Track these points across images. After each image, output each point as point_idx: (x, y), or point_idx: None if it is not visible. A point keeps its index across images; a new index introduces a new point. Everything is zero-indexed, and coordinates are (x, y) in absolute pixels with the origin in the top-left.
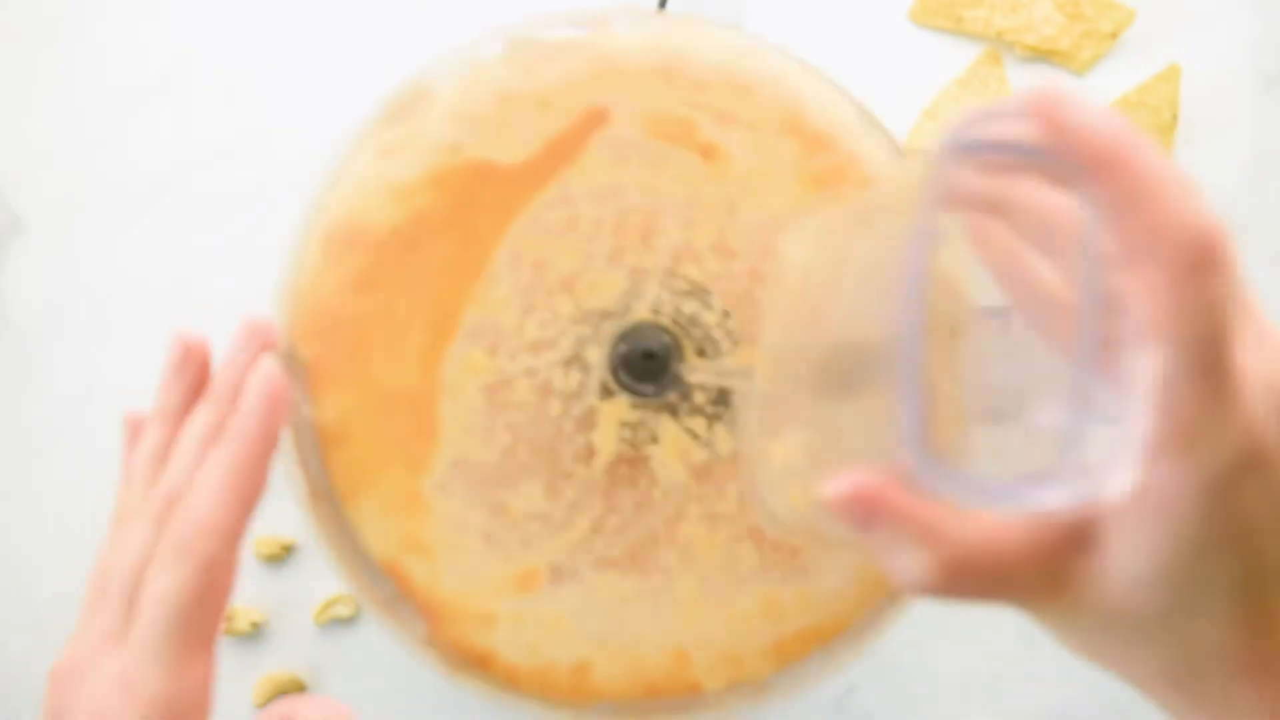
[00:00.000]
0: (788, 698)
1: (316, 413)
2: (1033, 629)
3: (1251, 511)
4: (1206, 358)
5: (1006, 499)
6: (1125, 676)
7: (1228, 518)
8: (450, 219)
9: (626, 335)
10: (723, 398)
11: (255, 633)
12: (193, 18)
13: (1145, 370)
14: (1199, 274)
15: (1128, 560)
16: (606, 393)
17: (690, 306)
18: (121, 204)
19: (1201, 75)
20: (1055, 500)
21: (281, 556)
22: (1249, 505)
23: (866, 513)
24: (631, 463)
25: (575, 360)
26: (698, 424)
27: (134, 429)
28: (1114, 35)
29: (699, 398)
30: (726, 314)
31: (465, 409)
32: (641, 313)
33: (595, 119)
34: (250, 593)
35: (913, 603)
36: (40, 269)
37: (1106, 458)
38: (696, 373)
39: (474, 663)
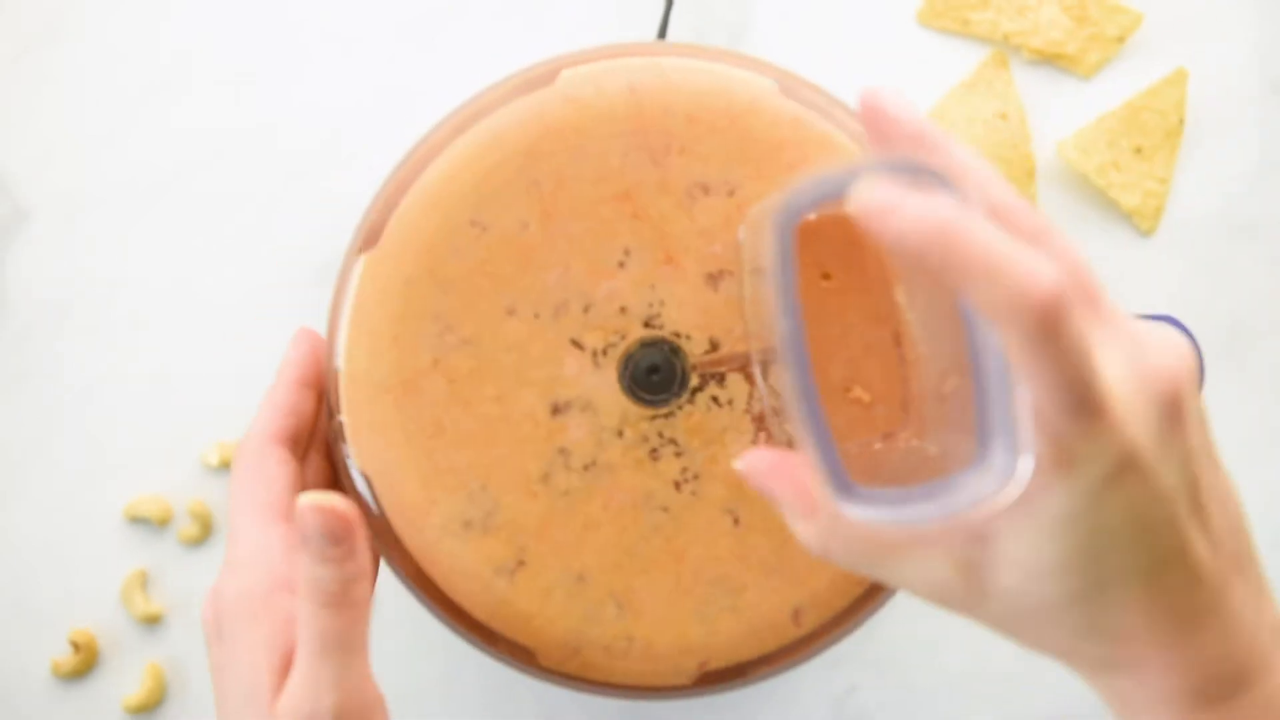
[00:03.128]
0: (805, 662)
1: (358, 462)
2: None
3: (1136, 508)
4: (1074, 394)
5: (913, 513)
6: (1042, 651)
7: (1115, 516)
8: (462, 282)
9: (632, 355)
10: (726, 390)
11: None
12: (197, 15)
13: (1024, 405)
14: (1049, 332)
15: (1021, 555)
16: (622, 408)
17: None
18: (125, 200)
19: (1208, 79)
20: (950, 509)
21: None
22: (1134, 502)
23: (758, 485)
24: (650, 466)
25: (591, 387)
26: (706, 419)
27: None
28: (1121, 39)
29: (705, 394)
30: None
31: (496, 448)
32: (641, 332)
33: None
34: None
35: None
36: (44, 264)
37: (997, 473)
38: (700, 371)
39: (521, 659)
